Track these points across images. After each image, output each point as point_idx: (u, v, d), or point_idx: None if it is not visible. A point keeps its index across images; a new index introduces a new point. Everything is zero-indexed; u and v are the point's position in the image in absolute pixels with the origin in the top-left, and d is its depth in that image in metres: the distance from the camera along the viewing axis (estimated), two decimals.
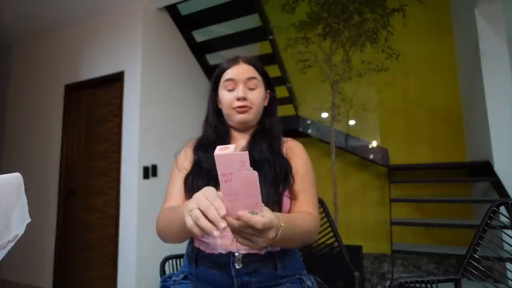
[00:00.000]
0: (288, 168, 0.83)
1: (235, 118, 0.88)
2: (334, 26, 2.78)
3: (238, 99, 0.86)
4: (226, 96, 0.88)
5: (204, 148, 0.88)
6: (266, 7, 2.72)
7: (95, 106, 2.75)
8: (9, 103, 3.22)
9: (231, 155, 0.46)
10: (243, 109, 0.87)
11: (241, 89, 0.86)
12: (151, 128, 2.51)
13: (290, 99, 3.51)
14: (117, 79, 2.58)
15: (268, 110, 0.95)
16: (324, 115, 3.86)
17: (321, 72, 2.98)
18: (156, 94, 2.59)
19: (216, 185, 0.70)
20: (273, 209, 0.72)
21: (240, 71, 0.88)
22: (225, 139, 0.91)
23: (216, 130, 0.92)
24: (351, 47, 2.84)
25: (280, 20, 3.06)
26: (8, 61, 3.33)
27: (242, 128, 0.92)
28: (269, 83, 0.95)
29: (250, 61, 0.91)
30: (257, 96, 0.89)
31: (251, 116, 0.88)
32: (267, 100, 0.95)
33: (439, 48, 3.56)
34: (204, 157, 0.85)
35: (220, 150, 0.48)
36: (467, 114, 3.27)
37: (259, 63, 0.93)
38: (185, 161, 0.90)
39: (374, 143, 3.66)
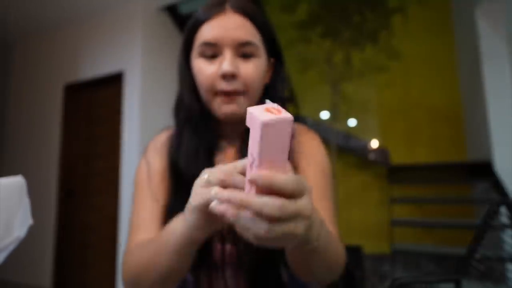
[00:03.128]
0: None
1: (218, 110, 0.54)
2: (334, 26, 2.78)
3: (224, 76, 0.51)
4: (203, 69, 0.53)
5: (185, 161, 0.56)
6: (266, 7, 2.72)
7: (95, 106, 2.76)
8: (10, 103, 3.22)
9: (285, 121, 0.30)
10: (230, 98, 0.53)
11: (229, 58, 0.51)
12: (151, 128, 2.51)
13: (290, 99, 3.51)
14: (117, 79, 2.58)
15: (269, 91, 0.58)
16: (324, 115, 3.86)
17: (321, 72, 2.98)
18: (156, 94, 2.59)
19: (215, 235, 0.54)
20: (275, 262, 0.55)
21: (226, 27, 0.51)
22: (208, 142, 0.58)
23: (197, 124, 0.57)
24: (351, 47, 2.84)
25: (280, 20, 3.06)
26: (8, 61, 3.33)
27: (228, 124, 0.58)
28: (275, 46, 0.58)
29: (244, 10, 0.53)
30: (255, 71, 0.53)
31: (243, 107, 0.53)
32: (270, 73, 0.59)
33: (439, 48, 3.56)
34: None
35: (267, 114, 0.29)
36: (467, 114, 3.27)
37: (259, 13, 0.55)
38: (156, 181, 0.58)
39: (374, 143, 3.66)
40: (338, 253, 0.50)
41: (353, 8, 2.74)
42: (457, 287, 0.87)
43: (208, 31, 0.52)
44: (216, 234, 0.55)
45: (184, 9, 2.76)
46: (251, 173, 0.30)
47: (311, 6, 2.90)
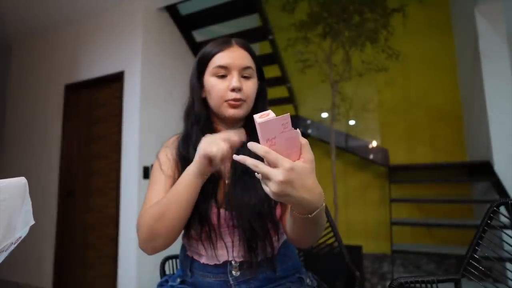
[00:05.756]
0: None
1: (226, 112, 0.76)
2: (334, 26, 2.78)
3: (233, 89, 0.74)
4: (217, 86, 0.75)
5: (193, 151, 0.75)
6: (266, 7, 2.72)
7: (95, 106, 2.76)
8: (9, 103, 3.22)
9: (274, 120, 0.46)
10: (236, 103, 0.74)
11: (236, 78, 0.74)
12: (151, 128, 2.51)
13: (290, 99, 3.51)
14: (117, 79, 2.58)
15: (256, 103, 0.82)
16: (324, 115, 3.86)
17: (321, 72, 2.98)
18: (156, 94, 2.59)
19: (212, 199, 0.74)
20: (266, 225, 0.71)
21: (234, 57, 0.76)
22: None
23: (203, 125, 0.79)
24: (351, 47, 2.84)
25: (280, 20, 3.06)
26: (7, 61, 3.33)
27: (230, 122, 0.80)
28: (261, 73, 0.84)
29: (245, 46, 0.79)
30: (252, 87, 0.78)
31: (243, 112, 0.77)
32: (256, 91, 0.84)
33: (439, 48, 3.56)
34: None
35: (261, 118, 0.47)
36: (467, 114, 3.27)
37: (253, 49, 0.82)
38: (168, 165, 0.78)
39: (374, 143, 3.66)
40: (324, 224, 0.68)
41: (352, 8, 2.74)
42: (456, 287, 0.87)
43: (221, 58, 0.76)
44: (213, 201, 0.73)
45: (184, 9, 2.76)
46: None
47: (311, 6, 2.90)
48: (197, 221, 0.72)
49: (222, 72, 0.75)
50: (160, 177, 0.77)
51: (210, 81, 0.76)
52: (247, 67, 0.76)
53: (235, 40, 0.79)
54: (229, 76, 0.75)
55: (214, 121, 0.82)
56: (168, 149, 0.82)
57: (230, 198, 0.72)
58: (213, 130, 0.80)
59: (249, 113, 0.79)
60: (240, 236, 0.72)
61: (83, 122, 2.79)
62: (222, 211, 0.73)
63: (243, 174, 0.73)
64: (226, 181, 0.75)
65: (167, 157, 0.79)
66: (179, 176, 0.73)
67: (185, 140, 0.79)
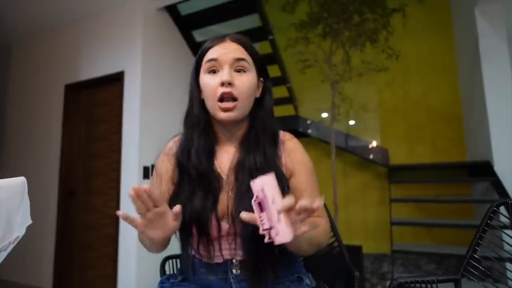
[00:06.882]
0: (286, 186, 0.73)
1: (218, 115, 0.72)
2: (334, 26, 2.78)
3: (222, 83, 0.70)
4: (208, 82, 0.73)
5: (194, 159, 0.73)
6: (266, 7, 2.72)
7: (95, 106, 2.76)
8: (9, 103, 3.22)
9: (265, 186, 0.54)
10: (227, 106, 0.71)
11: (227, 71, 0.71)
12: (151, 128, 2.51)
13: (290, 99, 3.51)
14: (117, 79, 2.58)
15: (261, 103, 0.78)
16: (324, 115, 3.86)
17: (321, 72, 2.97)
18: (156, 94, 2.59)
19: (212, 213, 0.73)
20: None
21: (226, 50, 0.73)
22: (211, 144, 0.77)
23: (203, 129, 0.76)
24: (351, 47, 2.84)
25: (280, 20, 3.06)
26: (7, 61, 3.33)
27: (227, 125, 0.77)
28: (263, 70, 0.80)
29: (239, 40, 0.76)
30: (246, 81, 0.72)
31: (236, 114, 0.72)
32: (260, 90, 0.79)
33: (439, 48, 3.56)
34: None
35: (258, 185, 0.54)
36: (467, 114, 3.27)
37: (251, 44, 0.77)
38: (163, 180, 0.78)
39: (374, 143, 3.66)
40: (324, 233, 0.72)
41: (353, 8, 2.74)
42: (456, 287, 0.87)
43: (212, 52, 0.74)
44: (213, 214, 0.71)
45: (184, 9, 2.76)
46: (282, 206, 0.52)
47: (311, 6, 2.89)
48: (195, 233, 0.72)
49: (213, 66, 0.73)
50: (154, 185, 0.79)
51: (204, 79, 0.74)
52: (239, 59, 0.72)
53: (230, 35, 0.76)
54: (221, 71, 0.72)
55: (214, 124, 0.79)
56: (167, 157, 0.80)
57: (235, 213, 0.70)
58: (213, 134, 0.78)
59: (248, 112, 0.76)
60: (240, 245, 0.72)
61: (83, 122, 2.79)
62: (223, 224, 0.72)
63: (248, 190, 0.66)
64: (229, 193, 0.73)
65: (165, 169, 0.79)
66: (177, 184, 0.76)
67: (184, 146, 0.77)
